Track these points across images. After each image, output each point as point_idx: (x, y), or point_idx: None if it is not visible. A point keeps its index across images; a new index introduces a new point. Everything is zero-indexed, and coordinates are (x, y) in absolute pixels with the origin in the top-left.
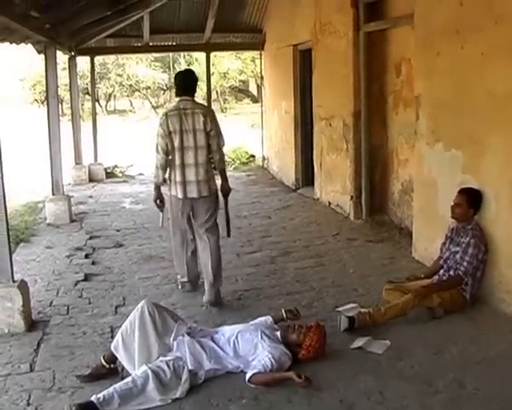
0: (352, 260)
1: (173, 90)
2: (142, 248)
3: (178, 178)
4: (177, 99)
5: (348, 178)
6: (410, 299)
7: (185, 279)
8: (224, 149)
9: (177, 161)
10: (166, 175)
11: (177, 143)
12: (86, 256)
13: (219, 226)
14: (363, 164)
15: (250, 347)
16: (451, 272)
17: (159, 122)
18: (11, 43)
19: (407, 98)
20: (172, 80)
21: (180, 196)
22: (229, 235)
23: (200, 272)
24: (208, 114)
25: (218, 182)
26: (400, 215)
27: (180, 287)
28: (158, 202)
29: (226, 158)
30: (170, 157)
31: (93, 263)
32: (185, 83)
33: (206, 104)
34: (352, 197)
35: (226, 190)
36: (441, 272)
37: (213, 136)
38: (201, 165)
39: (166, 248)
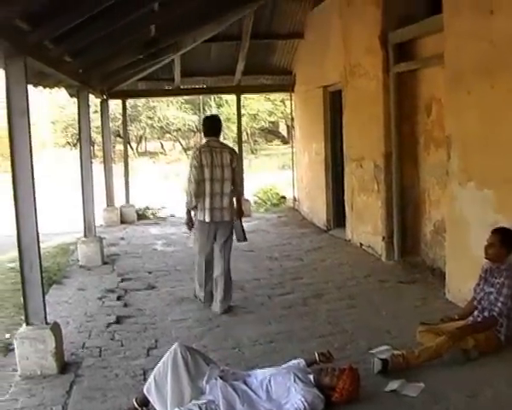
0: (384, 302)
1: (202, 132)
2: (174, 290)
3: (207, 205)
4: (206, 139)
5: (380, 219)
6: (444, 341)
7: (202, 288)
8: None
9: (207, 190)
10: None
11: (207, 174)
12: (118, 298)
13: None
14: (394, 205)
15: (283, 390)
16: (486, 314)
17: (192, 155)
18: (45, 87)
19: (438, 138)
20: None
21: (207, 219)
22: (245, 239)
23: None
24: (234, 153)
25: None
26: (433, 256)
27: (198, 299)
28: (189, 224)
29: (256, 199)
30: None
31: (125, 305)
32: (213, 126)
33: (234, 145)
34: (383, 238)
35: (241, 213)
36: (475, 313)
37: (237, 172)
38: (226, 195)
39: None
